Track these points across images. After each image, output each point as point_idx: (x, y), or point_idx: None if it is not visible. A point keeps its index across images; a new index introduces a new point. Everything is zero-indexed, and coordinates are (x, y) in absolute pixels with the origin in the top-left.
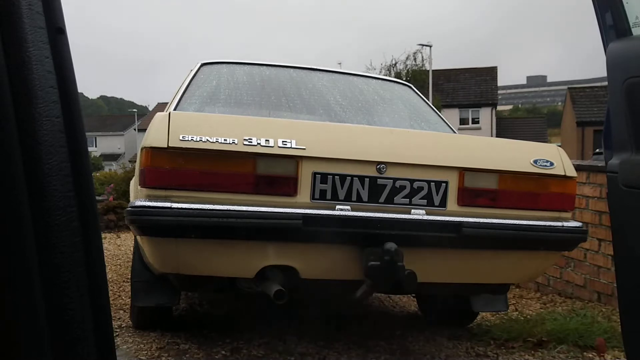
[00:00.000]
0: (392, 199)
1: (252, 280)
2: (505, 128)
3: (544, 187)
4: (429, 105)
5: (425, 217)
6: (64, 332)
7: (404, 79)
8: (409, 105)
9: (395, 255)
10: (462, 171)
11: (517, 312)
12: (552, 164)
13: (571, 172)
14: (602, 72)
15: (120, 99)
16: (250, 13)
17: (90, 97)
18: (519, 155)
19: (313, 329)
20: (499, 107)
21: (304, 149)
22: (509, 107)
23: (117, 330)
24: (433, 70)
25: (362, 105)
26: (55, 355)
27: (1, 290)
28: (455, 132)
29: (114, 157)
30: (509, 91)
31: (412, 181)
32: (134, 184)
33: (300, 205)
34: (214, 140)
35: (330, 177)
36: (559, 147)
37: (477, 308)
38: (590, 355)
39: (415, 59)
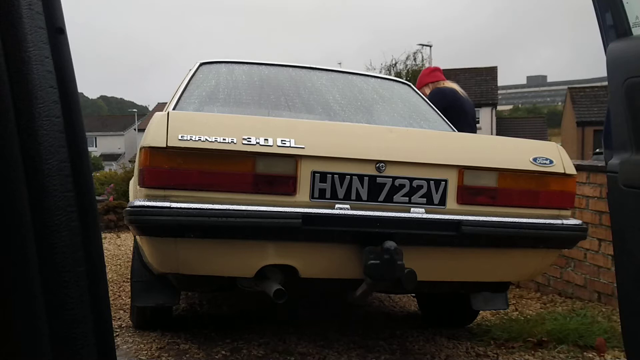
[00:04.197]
0: (391, 198)
1: (252, 280)
2: (506, 128)
3: (544, 185)
4: (428, 104)
5: (425, 216)
6: (64, 332)
7: (405, 79)
8: (408, 104)
9: (394, 253)
10: (462, 169)
11: (517, 312)
12: (551, 161)
13: (571, 170)
14: (602, 72)
15: (120, 99)
16: (251, 13)
17: (90, 97)
18: (519, 153)
19: (313, 329)
20: (499, 107)
21: (303, 148)
22: (509, 107)
23: (117, 330)
24: None
25: (361, 104)
26: (55, 355)
27: (1, 290)
28: (454, 131)
29: (114, 157)
30: (509, 91)
31: (411, 180)
32: (133, 184)
33: (299, 204)
34: (213, 140)
35: (329, 176)
36: (559, 145)
37: (477, 306)
38: (590, 355)
39: (415, 59)
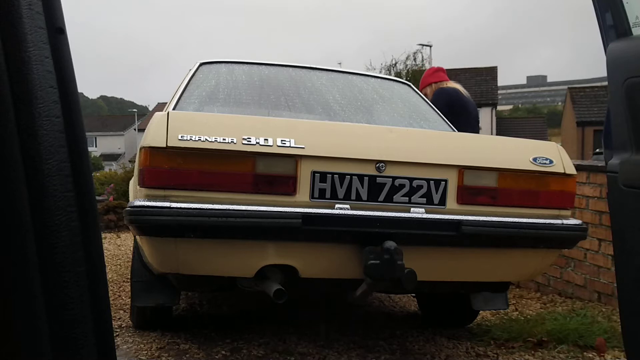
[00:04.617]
0: (391, 198)
1: (252, 280)
2: (506, 128)
3: (544, 185)
4: (428, 104)
5: (425, 216)
6: (64, 332)
7: (405, 79)
8: (408, 104)
9: (394, 253)
10: (462, 169)
11: (517, 312)
12: (551, 161)
13: (570, 169)
14: (602, 72)
15: (120, 99)
16: (251, 13)
17: (90, 97)
18: (519, 153)
19: (313, 329)
20: (499, 107)
21: (303, 147)
22: (509, 107)
23: (117, 330)
24: None
25: (361, 104)
26: (55, 355)
27: (1, 290)
28: (454, 131)
29: (114, 157)
30: (509, 91)
31: (411, 180)
32: (133, 184)
33: (299, 204)
34: (213, 140)
35: (329, 176)
36: (559, 145)
37: (477, 306)
38: (590, 355)
39: (415, 59)
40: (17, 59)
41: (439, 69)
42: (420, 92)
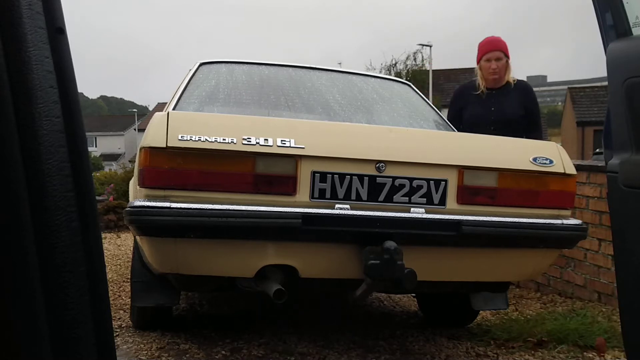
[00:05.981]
0: (391, 198)
1: (252, 280)
2: None
3: (544, 185)
4: (428, 104)
5: (425, 216)
6: (64, 332)
7: (405, 79)
8: (408, 104)
9: (394, 253)
10: (462, 169)
11: (517, 312)
12: (551, 161)
13: (570, 169)
14: (602, 72)
15: (120, 99)
16: (251, 13)
17: (90, 97)
18: (518, 153)
19: (313, 329)
20: None
21: (303, 148)
22: None
23: (117, 330)
24: (433, 70)
25: (361, 104)
26: (55, 355)
27: (1, 289)
28: (454, 131)
29: (114, 157)
30: None
31: (411, 180)
32: (133, 184)
33: (299, 204)
34: (213, 140)
35: (329, 176)
36: (559, 145)
37: (477, 306)
38: (590, 355)
39: (415, 59)
40: (17, 59)
41: None
42: (502, 52)
